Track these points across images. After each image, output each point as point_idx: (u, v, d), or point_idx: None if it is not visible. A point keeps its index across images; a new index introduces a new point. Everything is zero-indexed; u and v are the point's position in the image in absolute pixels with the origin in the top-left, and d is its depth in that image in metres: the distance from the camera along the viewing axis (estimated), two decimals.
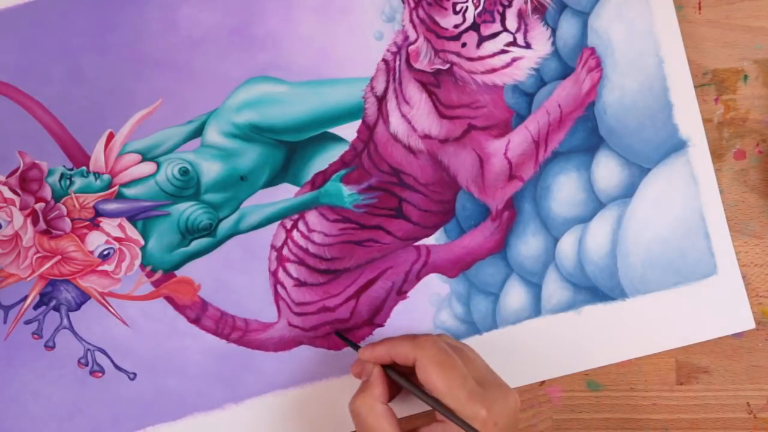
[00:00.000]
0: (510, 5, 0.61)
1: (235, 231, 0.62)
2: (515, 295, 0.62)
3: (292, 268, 0.62)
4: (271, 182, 0.62)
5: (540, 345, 0.62)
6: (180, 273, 0.62)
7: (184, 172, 0.61)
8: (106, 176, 0.61)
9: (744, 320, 0.62)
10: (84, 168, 0.61)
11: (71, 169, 0.61)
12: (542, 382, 0.63)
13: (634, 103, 0.61)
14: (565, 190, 0.62)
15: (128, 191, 0.61)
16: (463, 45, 0.61)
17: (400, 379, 0.56)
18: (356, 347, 0.59)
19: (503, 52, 0.61)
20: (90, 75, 0.61)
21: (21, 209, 0.61)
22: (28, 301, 0.61)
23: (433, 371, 0.53)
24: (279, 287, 0.62)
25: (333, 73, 0.62)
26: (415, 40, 0.61)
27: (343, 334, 0.62)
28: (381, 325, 0.62)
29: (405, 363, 0.55)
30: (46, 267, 0.61)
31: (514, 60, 0.61)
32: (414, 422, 0.60)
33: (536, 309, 0.62)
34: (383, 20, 0.61)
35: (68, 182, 0.61)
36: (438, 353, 0.54)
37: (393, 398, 0.57)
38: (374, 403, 0.55)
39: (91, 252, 0.61)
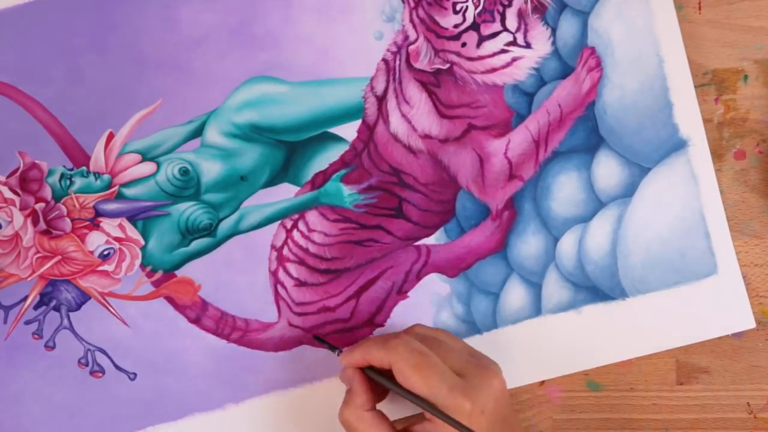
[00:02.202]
0: (510, 5, 0.61)
1: (235, 231, 0.62)
2: (515, 295, 0.62)
3: (292, 268, 0.62)
4: (271, 182, 0.62)
5: (540, 345, 0.62)
6: (180, 273, 0.62)
7: (184, 172, 0.61)
8: (106, 176, 0.61)
9: (744, 320, 0.62)
10: (84, 168, 0.61)
11: (71, 169, 0.61)
12: (542, 382, 0.63)
13: (634, 102, 0.61)
14: (565, 190, 0.62)
15: (128, 191, 0.61)
16: (463, 45, 0.61)
17: (383, 380, 0.55)
18: (335, 350, 0.59)
19: (503, 51, 0.61)
20: (90, 75, 0.61)
21: (21, 209, 0.61)
22: (29, 301, 0.61)
23: (409, 375, 0.52)
24: (279, 287, 0.62)
25: (333, 73, 0.62)
26: (415, 40, 0.61)
27: (321, 338, 0.61)
28: (381, 325, 0.62)
29: (382, 367, 0.55)
30: (46, 267, 0.61)
31: (514, 60, 0.61)
32: (408, 420, 0.60)
33: (536, 309, 0.62)
34: (383, 20, 0.61)
35: (68, 182, 0.61)
36: (411, 355, 0.53)
37: (382, 400, 0.57)
38: (360, 413, 0.55)
39: (91, 252, 0.61)
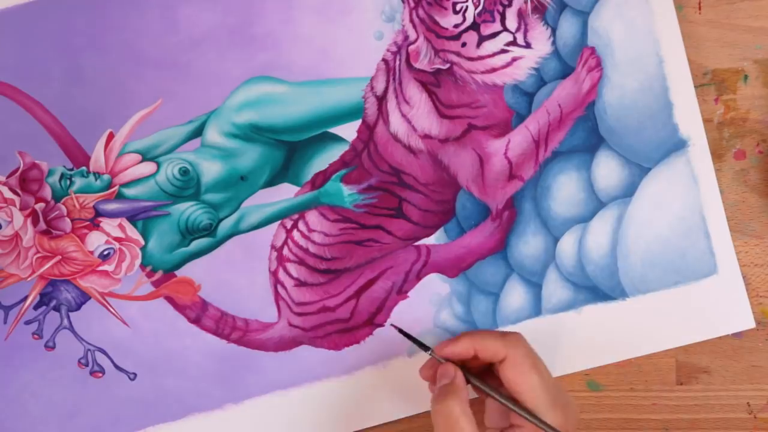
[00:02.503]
0: (510, 5, 0.61)
1: (236, 231, 0.62)
2: (515, 295, 0.62)
3: (292, 268, 0.62)
4: (271, 182, 0.62)
5: (540, 345, 0.62)
6: (180, 273, 0.62)
7: (184, 172, 0.61)
8: (106, 176, 0.61)
9: (744, 320, 0.62)
10: (84, 168, 0.61)
11: (71, 169, 0.61)
12: None
13: (634, 102, 0.61)
14: (565, 190, 0.62)
15: (128, 191, 0.61)
16: (463, 45, 0.61)
17: (479, 381, 0.55)
18: (426, 348, 0.57)
19: (503, 51, 0.61)
20: (90, 75, 0.61)
21: (21, 209, 0.61)
22: (29, 301, 0.61)
23: (526, 371, 0.52)
24: (279, 287, 0.62)
25: (333, 73, 0.62)
26: (415, 40, 0.61)
27: (406, 332, 0.60)
28: (381, 325, 0.62)
29: (491, 359, 0.54)
30: (46, 267, 0.61)
31: (514, 59, 0.61)
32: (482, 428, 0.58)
33: (536, 309, 0.62)
34: (383, 20, 0.61)
35: (68, 182, 0.61)
36: (530, 353, 0.53)
37: None
38: (466, 407, 0.53)
39: (91, 252, 0.61)
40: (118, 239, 0.61)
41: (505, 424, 0.55)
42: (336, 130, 0.62)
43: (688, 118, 0.61)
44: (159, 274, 0.62)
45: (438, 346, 0.56)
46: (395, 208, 0.62)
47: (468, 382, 0.55)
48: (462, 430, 0.52)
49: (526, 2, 0.61)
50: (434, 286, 0.62)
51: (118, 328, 0.61)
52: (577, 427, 0.54)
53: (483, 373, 0.57)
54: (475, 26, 0.61)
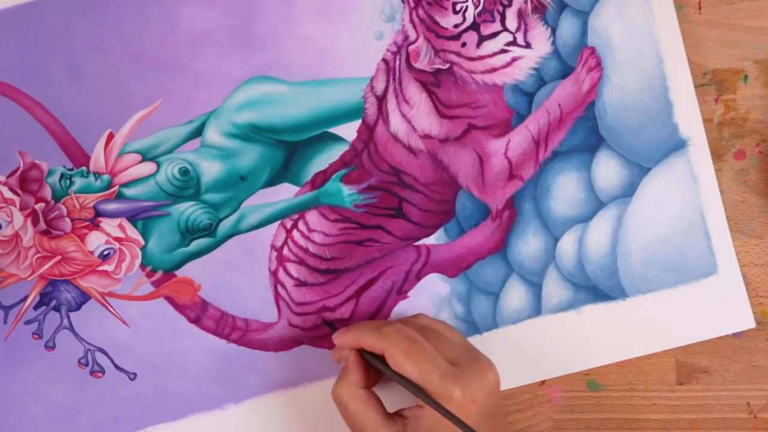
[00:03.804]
0: (510, 5, 0.61)
1: (236, 231, 0.62)
2: (515, 295, 0.62)
3: (292, 267, 0.62)
4: (271, 182, 0.62)
5: (540, 345, 0.62)
6: (180, 273, 0.62)
7: (184, 172, 0.61)
8: (106, 176, 0.61)
9: (744, 320, 0.62)
10: (84, 168, 0.61)
11: (71, 169, 0.61)
12: (542, 382, 0.63)
13: (634, 102, 0.61)
14: (565, 190, 0.62)
15: (128, 191, 0.61)
16: (463, 44, 0.61)
17: (375, 362, 0.56)
18: (333, 328, 0.60)
19: (503, 51, 0.61)
20: (90, 75, 0.61)
21: (21, 209, 0.61)
22: (29, 301, 0.61)
23: (401, 360, 0.53)
24: (279, 287, 0.62)
25: (333, 73, 0.62)
26: (415, 40, 0.61)
27: (330, 322, 0.62)
28: None
29: (374, 352, 0.55)
30: (46, 267, 0.61)
31: (514, 59, 0.61)
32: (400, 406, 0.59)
33: (536, 309, 0.62)
34: (383, 20, 0.61)
35: (68, 182, 0.61)
36: (403, 341, 0.53)
37: (375, 383, 0.57)
38: (353, 389, 0.55)
39: (91, 252, 0.61)
40: (118, 239, 0.61)
41: (410, 404, 0.56)
42: (336, 130, 0.62)
43: (688, 118, 0.61)
44: (159, 274, 0.62)
45: (335, 334, 0.58)
46: (395, 208, 0.62)
47: (367, 362, 0.56)
48: (353, 413, 0.55)
49: (526, 2, 0.61)
50: (434, 286, 0.62)
51: (118, 328, 0.61)
52: (492, 394, 0.54)
53: None
54: (475, 26, 0.61)
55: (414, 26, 0.61)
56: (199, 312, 0.61)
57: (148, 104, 0.61)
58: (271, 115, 0.62)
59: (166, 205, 0.61)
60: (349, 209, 0.62)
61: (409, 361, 0.53)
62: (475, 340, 0.62)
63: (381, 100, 0.61)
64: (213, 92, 0.61)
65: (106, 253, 0.61)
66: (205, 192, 0.62)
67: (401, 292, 0.62)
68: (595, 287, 0.62)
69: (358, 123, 0.62)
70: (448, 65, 0.61)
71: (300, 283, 0.62)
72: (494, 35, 0.61)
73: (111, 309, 0.61)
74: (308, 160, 0.62)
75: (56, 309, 0.61)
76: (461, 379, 0.52)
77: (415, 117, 0.61)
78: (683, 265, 0.62)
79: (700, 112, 0.62)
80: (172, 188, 0.61)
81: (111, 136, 0.61)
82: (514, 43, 0.61)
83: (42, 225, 0.61)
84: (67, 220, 0.61)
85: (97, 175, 0.61)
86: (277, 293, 0.62)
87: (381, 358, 0.55)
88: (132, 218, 0.61)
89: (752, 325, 0.62)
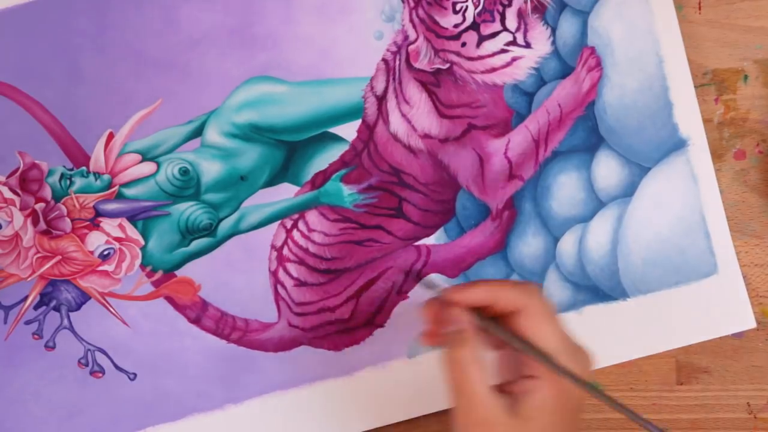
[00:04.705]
0: (510, 5, 0.61)
1: (236, 231, 0.62)
2: None
3: (292, 268, 0.62)
4: (271, 182, 0.62)
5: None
6: (180, 273, 0.62)
7: (184, 172, 0.61)
8: (106, 176, 0.61)
9: (744, 320, 0.62)
10: (84, 168, 0.61)
11: (71, 169, 0.61)
12: None
13: (634, 102, 0.61)
14: (565, 190, 0.62)
15: (128, 191, 0.61)
16: (463, 44, 0.61)
17: (496, 327, 0.50)
18: (435, 287, 0.53)
19: (503, 51, 0.61)
20: (90, 75, 0.61)
21: (21, 209, 0.61)
22: (29, 301, 0.61)
23: (545, 321, 0.49)
24: (279, 287, 0.62)
25: (333, 72, 0.62)
26: (415, 40, 0.61)
27: (425, 279, 0.58)
28: (381, 326, 0.62)
29: (507, 309, 0.50)
30: (47, 267, 0.61)
31: (514, 59, 0.61)
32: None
33: None
34: (383, 20, 0.61)
35: (68, 182, 0.61)
36: (548, 303, 0.50)
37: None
38: (477, 355, 0.49)
39: (91, 252, 0.61)
40: (118, 239, 0.61)
41: (513, 377, 0.51)
42: (336, 130, 0.62)
43: (688, 118, 0.61)
44: (159, 274, 0.62)
45: (449, 291, 0.51)
46: (395, 208, 0.62)
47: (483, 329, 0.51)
48: (470, 379, 0.49)
49: (526, 2, 0.61)
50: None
51: (118, 328, 0.61)
52: (590, 377, 0.50)
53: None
54: (475, 26, 0.61)
55: (414, 26, 0.61)
56: (199, 312, 0.61)
57: (148, 104, 0.61)
58: (271, 115, 0.62)
59: (166, 205, 0.61)
60: (349, 209, 0.62)
61: (553, 325, 0.49)
62: None
63: (381, 100, 0.61)
64: (213, 92, 0.61)
65: (106, 253, 0.61)
66: (205, 192, 0.62)
67: (401, 292, 0.62)
68: (596, 287, 0.62)
69: (358, 123, 0.62)
70: (448, 65, 0.61)
71: (300, 283, 0.62)
72: (494, 35, 0.61)
73: (111, 309, 0.61)
74: (308, 160, 0.62)
75: (56, 309, 0.61)
76: (581, 358, 0.50)
77: (415, 117, 0.61)
78: (683, 265, 0.62)
79: (700, 112, 0.62)
80: (172, 188, 0.61)
81: (111, 136, 0.61)
82: (514, 42, 0.61)
83: (42, 225, 0.61)
84: (67, 220, 0.61)
85: (97, 175, 0.61)
86: (277, 293, 0.62)
87: (496, 322, 0.51)
88: (132, 218, 0.61)
89: (752, 325, 0.62)
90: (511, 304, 0.50)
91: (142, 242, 0.61)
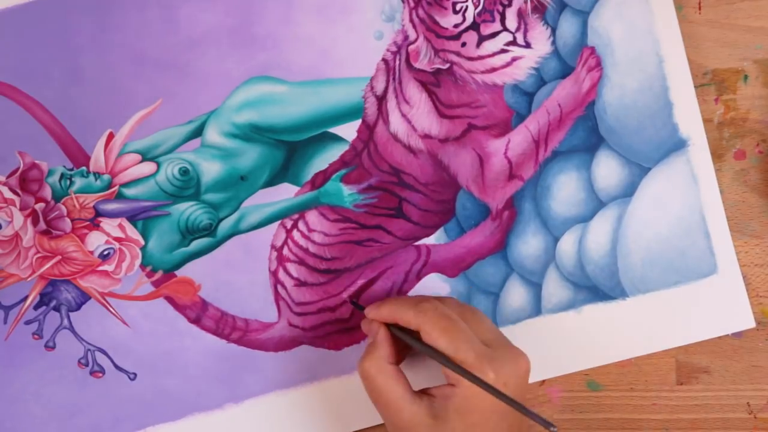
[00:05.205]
0: (510, 5, 0.61)
1: (236, 231, 0.62)
2: (515, 295, 0.62)
3: (292, 267, 0.62)
4: (271, 182, 0.62)
5: (540, 344, 0.62)
6: (180, 273, 0.62)
7: (184, 172, 0.61)
8: (106, 176, 0.61)
9: (744, 320, 0.62)
10: (84, 168, 0.61)
11: (71, 169, 0.61)
12: (542, 382, 0.63)
13: (634, 102, 0.61)
14: (565, 190, 0.62)
15: (128, 191, 0.61)
16: (463, 44, 0.61)
17: (407, 338, 0.55)
18: (361, 308, 0.58)
19: (503, 51, 0.61)
20: (90, 75, 0.61)
21: (21, 209, 0.61)
22: (29, 301, 0.61)
23: (437, 337, 0.52)
24: (279, 287, 0.62)
25: (333, 73, 0.62)
26: (415, 40, 0.61)
27: (355, 301, 0.61)
28: None
29: (409, 328, 0.54)
30: (47, 267, 0.61)
31: (514, 59, 0.61)
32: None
33: (536, 308, 0.62)
34: (383, 20, 0.61)
35: (68, 182, 0.61)
36: (440, 319, 0.53)
37: (402, 360, 0.56)
38: (382, 364, 0.54)
39: (91, 252, 0.61)
40: (118, 239, 0.61)
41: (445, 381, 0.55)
42: (336, 130, 0.62)
43: (688, 117, 0.61)
44: (159, 274, 0.62)
45: (368, 308, 0.57)
46: (395, 208, 0.62)
47: (396, 339, 0.55)
48: (379, 387, 0.54)
49: (525, 2, 0.61)
50: (434, 286, 0.62)
51: (118, 328, 0.61)
52: (523, 379, 0.53)
53: None
54: (475, 26, 0.61)
55: (414, 26, 0.61)
56: (199, 312, 0.61)
57: (148, 104, 0.61)
58: (271, 115, 0.62)
59: (166, 205, 0.61)
60: (349, 209, 0.62)
61: (445, 338, 0.52)
62: None
63: (381, 100, 0.61)
64: (213, 92, 0.61)
65: (106, 253, 0.61)
66: (205, 192, 0.62)
67: (401, 292, 0.62)
68: (595, 287, 0.62)
69: (358, 123, 0.62)
70: (448, 65, 0.61)
71: (300, 283, 0.62)
72: (494, 35, 0.61)
73: (111, 309, 0.61)
74: (308, 160, 0.62)
75: (56, 309, 0.61)
76: (495, 361, 0.52)
77: (415, 117, 0.61)
78: (683, 265, 0.62)
79: (700, 112, 0.62)
80: (172, 188, 0.61)
81: (111, 136, 0.61)
82: (514, 42, 0.61)
83: (42, 225, 0.61)
84: (67, 220, 0.61)
85: (97, 175, 0.61)
86: (277, 293, 0.62)
87: (413, 334, 0.54)
88: (132, 218, 0.61)
89: (752, 325, 0.62)
90: (409, 325, 0.54)
91: (142, 242, 0.61)
